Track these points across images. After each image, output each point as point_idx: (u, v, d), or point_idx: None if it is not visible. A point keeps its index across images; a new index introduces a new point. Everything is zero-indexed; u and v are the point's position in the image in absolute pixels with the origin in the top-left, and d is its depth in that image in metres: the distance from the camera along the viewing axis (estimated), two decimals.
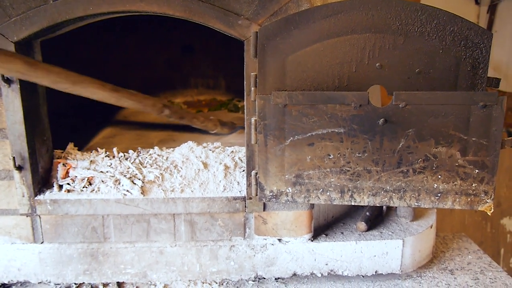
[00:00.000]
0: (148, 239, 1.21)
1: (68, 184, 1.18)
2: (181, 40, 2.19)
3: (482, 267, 1.34)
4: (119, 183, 1.17)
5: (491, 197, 1.07)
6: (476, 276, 1.29)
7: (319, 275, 1.25)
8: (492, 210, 1.07)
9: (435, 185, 1.07)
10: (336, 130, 1.06)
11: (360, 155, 1.07)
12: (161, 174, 1.19)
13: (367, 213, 1.31)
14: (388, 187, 1.08)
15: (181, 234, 1.21)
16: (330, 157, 1.08)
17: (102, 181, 1.18)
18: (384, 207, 1.38)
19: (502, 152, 2.50)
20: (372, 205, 1.10)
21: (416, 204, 1.09)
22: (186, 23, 1.15)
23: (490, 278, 1.28)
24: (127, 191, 1.16)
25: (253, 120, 1.09)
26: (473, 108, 1.03)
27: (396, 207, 1.38)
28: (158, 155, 1.25)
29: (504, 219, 2.54)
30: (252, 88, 1.09)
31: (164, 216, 1.19)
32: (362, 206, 1.40)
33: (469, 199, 1.07)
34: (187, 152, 1.24)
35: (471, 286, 1.25)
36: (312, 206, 1.22)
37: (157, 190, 1.17)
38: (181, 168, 1.21)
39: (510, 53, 3.05)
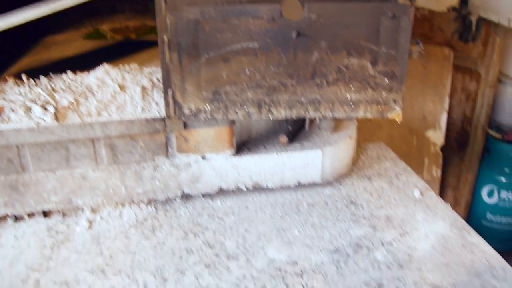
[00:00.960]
0: (69, 166, 1.19)
1: None
2: None
3: (397, 172, 1.43)
4: (30, 111, 1.12)
5: (399, 105, 1.12)
6: (391, 180, 1.39)
7: (244, 188, 1.30)
8: (401, 117, 1.13)
9: (348, 95, 1.11)
10: (251, 45, 1.06)
11: (275, 69, 1.08)
12: (75, 99, 1.16)
13: (289, 127, 1.35)
14: (303, 100, 1.11)
15: (102, 158, 1.20)
16: (246, 72, 1.08)
17: (12, 110, 1.13)
18: (306, 120, 1.42)
19: (429, 68, 2.60)
20: (289, 118, 1.13)
21: (330, 114, 1.13)
22: None
23: (403, 182, 1.38)
24: (40, 118, 1.12)
25: (165, 38, 1.06)
26: (383, 18, 1.05)
27: (319, 120, 1.42)
28: (72, 80, 1.20)
29: (429, 132, 2.69)
30: (163, 4, 1.05)
31: (83, 141, 1.17)
32: (286, 121, 1.43)
33: (379, 108, 1.12)
34: (102, 75, 1.20)
35: (385, 189, 1.34)
36: (232, 122, 1.23)
37: (73, 115, 1.14)
38: (97, 92, 1.18)
39: None
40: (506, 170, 2.75)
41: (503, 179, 2.77)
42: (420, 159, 2.78)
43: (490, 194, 2.84)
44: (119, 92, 1.17)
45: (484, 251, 1.07)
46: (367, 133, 2.93)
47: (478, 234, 1.13)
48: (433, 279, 1.00)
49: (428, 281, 0.99)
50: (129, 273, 1.02)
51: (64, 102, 1.15)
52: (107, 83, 1.18)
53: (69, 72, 1.22)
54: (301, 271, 1.02)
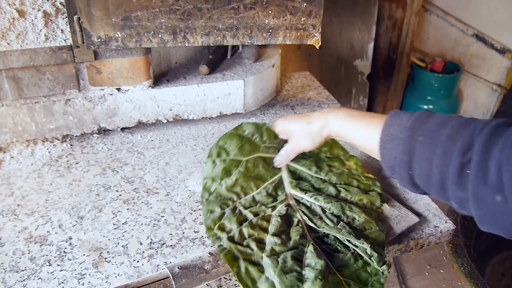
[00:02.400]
0: None
1: None
2: None
3: (320, 101, 1.44)
4: None
5: (318, 30, 1.10)
6: (314, 109, 1.39)
7: (165, 121, 1.26)
8: (320, 43, 1.11)
9: (266, 21, 1.06)
10: None
11: None
12: None
13: (210, 56, 1.30)
14: (220, 26, 1.06)
15: (6, 93, 1.10)
16: None
17: None
18: (228, 50, 1.37)
19: None
20: (206, 44, 1.08)
21: (249, 41, 1.09)
22: None
23: None
24: None
25: None
26: None
27: (241, 49, 1.38)
28: None
29: (356, 61, 2.72)
30: None
31: None
32: (207, 50, 1.38)
33: (298, 34, 1.09)
34: None
35: None
36: (148, 51, 1.16)
37: None
38: None
39: None
40: (429, 97, 2.87)
41: (425, 107, 2.90)
42: (348, 88, 2.84)
43: None
44: (18, 18, 1.06)
45: None
46: (297, 63, 2.93)
47: None
48: None
49: None
50: (43, 213, 0.97)
51: None
52: (4, 8, 1.06)
53: None
54: None
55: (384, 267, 0.80)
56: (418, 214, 0.99)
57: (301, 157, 0.99)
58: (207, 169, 0.93)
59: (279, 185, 0.95)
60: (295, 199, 0.93)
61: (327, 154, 1.02)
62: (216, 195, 0.91)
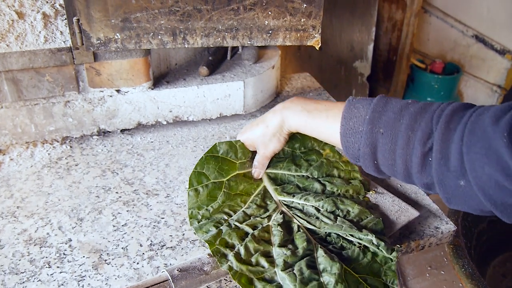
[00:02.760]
0: None
1: None
2: None
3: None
4: None
5: (318, 31, 1.09)
6: None
7: (164, 122, 1.25)
8: (320, 44, 1.10)
9: (266, 22, 1.06)
10: None
11: None
12: None
13: (210, 58, 1.29)
14: (220, 27, 1.05)
15: (5, 95, 1.10)
16: None
17: None
18: (228, 51, 1.37)
19: None
20: (206, 46, 1.08)
21: (249, 42, 1.08)
22: None
23: None
24: None
25: None
26: None
27: (241, 50, 1.38)
28: None
29: (356, 62, 2.72)
30: None
31: None
32: (207, 52, 1.37)
33: (298, 35, 1.09)
34: None
35: None
36: (148, 52, 1.16)
37: None
38: None
39: None
40: (429, 99, 2.87)
41: None
42: (348, 89, 2.83)
43: None
44: (17, 20, 1.06)
45: None
46: (297, 64, 2.93)
47: None
48: None
49: None
50: (43, 215, 0.97)
51: None
52: (3, 10, 1.06)
53: None
54: None
55: (394, 253, 0.80)
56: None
57: (276, 161, 0.99)
58: (190, 200, 0.91)
59: (265, 195, 0.95)
60: (285, 204, 0.92)
61: (301, 149, 1.01)
62: (206, 219, 0.90)
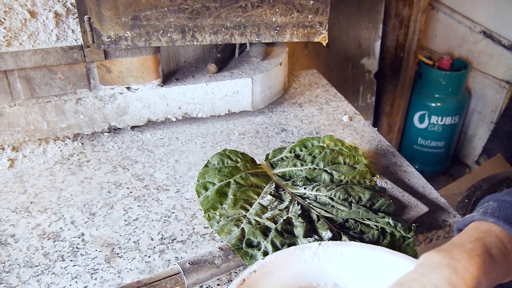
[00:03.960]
0: None
1: None
2: None
3: (327, 98, 1.45)
4: None
5: (325, 28, 1.10)
6: (321, 106, 1.40)
7: (174, 119, 1.27)
8: (327, 41, 1.11)
9: (274, 18, 1.07)
10: None
11: None
12: None
13: (218, 55, 1.31)
14: (228, 24, 1.07)
15: (18, 92, 1.12)
16: None
17: None
18: (236, 48, 1.38)
19: None
20: (214, 43, 1.09)
21: (257, 39, 1.10)
22: None
23: (333, 107, 1.40)
24: None
25: None
26: None
27: (249, 47, 1.39)
28: None
29: (363, 59, 2.72)
30: None
31: None
32: (215, 49, 1.39)
33: (306, 31, 1.10)
34: (9, 1, 1.09)
35: (316, 115, 1.35)
36: (157, 50, 1.18)
37: None
38: (4, 19, 1.07)
39: None
40: (436, 95, 2.86)
41: (433, 104, 2.89)
42: (356, 86, 2.84)
43: (421, 119, 2.96)
44: (30, 19, 1.08)
45: (406, 171, 1.12)
46: (305, 61, 2.94)
47: (401, 156, 1.18)
48: None
49: None
50: (56, 210, 0.99)
51: None
52: (16, 9, 1.08)
53: None
54: None
55: (411, 232, 0.84)
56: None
57: (280, 163, 1.02)
58: (202, 204, 0.91)
59: (277, 188, 0.96)
60: (299, 196, 0.93)
61: (302, 150, 1.05)
62: (225, 217, 0.89)
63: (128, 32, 1.05)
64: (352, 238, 0.83)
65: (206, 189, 0.93)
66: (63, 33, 1.10)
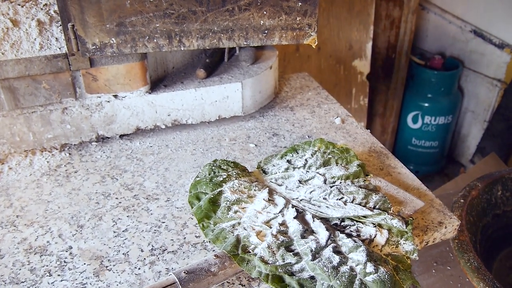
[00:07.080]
0: None
1: None
2: None
3: (319, 101, 1.43)
4: None
5: (314, 29, 1.09)
6: (313, 109, 1.38)
7: (163, 126, 1.25)
8: (316, 42, 1.10)
9: (262, 21, 1.06)
10: None
11: None
12: None
13: (207, 60, 1.29)
14: (215, 28, 1.05)
15: (2, 103, 1.09)
16: None
17: None
18: (225, 53, 1.36)
19: None
20: (202, 48, 1.07)
21: (245, 43, 1.08)
22: None
23: (325, 110, 1.38)
24: None
25: None
26: None
27: (238, 51, 1.37)
28: None
29: (355, 61, 2.71)
30: None
31: None
32: (204, 54, 1.37)
33: (294, 34, 1.09)
34: None
35: (307, 119, 1.33)
36: (144, 56, 1.15)
37: None
38: None
39: None
40: (429, 95, 2.86)
41: (425, 104, 2.88)
42: (348, 88, 2.82)
43: (414, 119, 2.96)
44: (12, 28, 1.05)
45: (400, 173, 1.10)
46: (296, 64, 2.92)
47: (395, 157, 1.16)
48: None
49: None
50: (43, 223, 0.96)
51: None
52: None
53: None
54: None
55: (409, 226, 0.84)
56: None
57: (273, 170, 1.01)
58: (196, 214, 0.89)
59: (271, 192, 0.94)
60: (293, 199, 0.92)
61: (293, 156, 1.05)
62: (220, 226, 0.87)
63: (113, 38, 1.03)
64: (349, 236, 0.82)
65: (199, 199, 0.92)
66: (47, 42, 1.08)
